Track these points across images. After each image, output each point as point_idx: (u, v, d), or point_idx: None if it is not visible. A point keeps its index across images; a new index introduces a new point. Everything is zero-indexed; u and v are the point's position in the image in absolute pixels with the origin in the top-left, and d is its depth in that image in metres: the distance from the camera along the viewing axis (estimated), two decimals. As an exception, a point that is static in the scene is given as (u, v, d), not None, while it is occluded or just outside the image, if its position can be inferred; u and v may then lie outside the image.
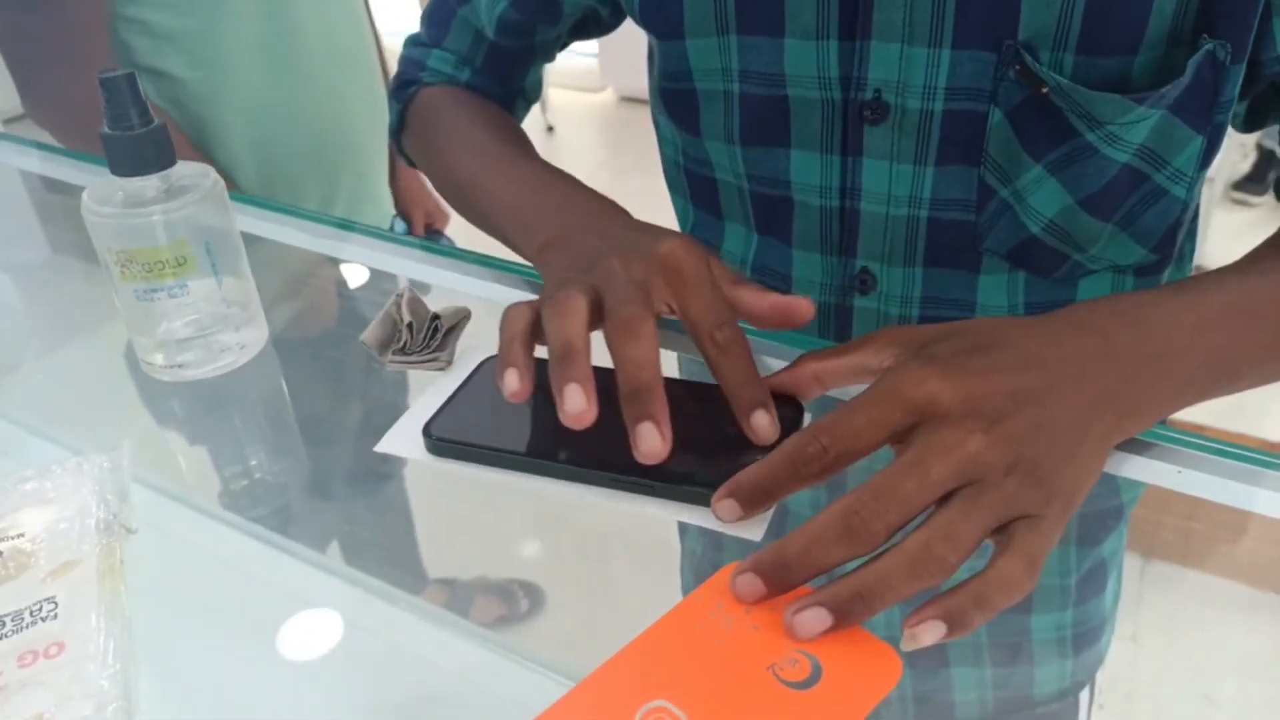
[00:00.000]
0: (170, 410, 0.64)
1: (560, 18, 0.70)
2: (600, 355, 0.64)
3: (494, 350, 0.50)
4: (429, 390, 0.53)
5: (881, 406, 0.36)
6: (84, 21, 0.93)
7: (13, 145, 0.93)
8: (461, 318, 0.59)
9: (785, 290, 0.56)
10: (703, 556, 0.60)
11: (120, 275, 0.56)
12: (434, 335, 0.57)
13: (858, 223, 0.59)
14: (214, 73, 1.01)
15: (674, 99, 0.64)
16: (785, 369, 0.44)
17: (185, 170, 0.57)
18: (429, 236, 1.36)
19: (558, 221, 0.54)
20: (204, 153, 1.03)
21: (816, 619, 0.34)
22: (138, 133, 0.53)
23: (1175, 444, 0.45)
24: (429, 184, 1.24)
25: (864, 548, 0.34)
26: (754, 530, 0.39)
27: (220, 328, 0.59)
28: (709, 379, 0.48)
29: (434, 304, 0.60)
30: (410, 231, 1.33)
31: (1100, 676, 0.70)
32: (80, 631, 0.40)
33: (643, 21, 0.63)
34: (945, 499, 0.35)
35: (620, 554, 0.67)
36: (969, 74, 0.52)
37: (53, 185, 0.86)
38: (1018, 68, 0.51)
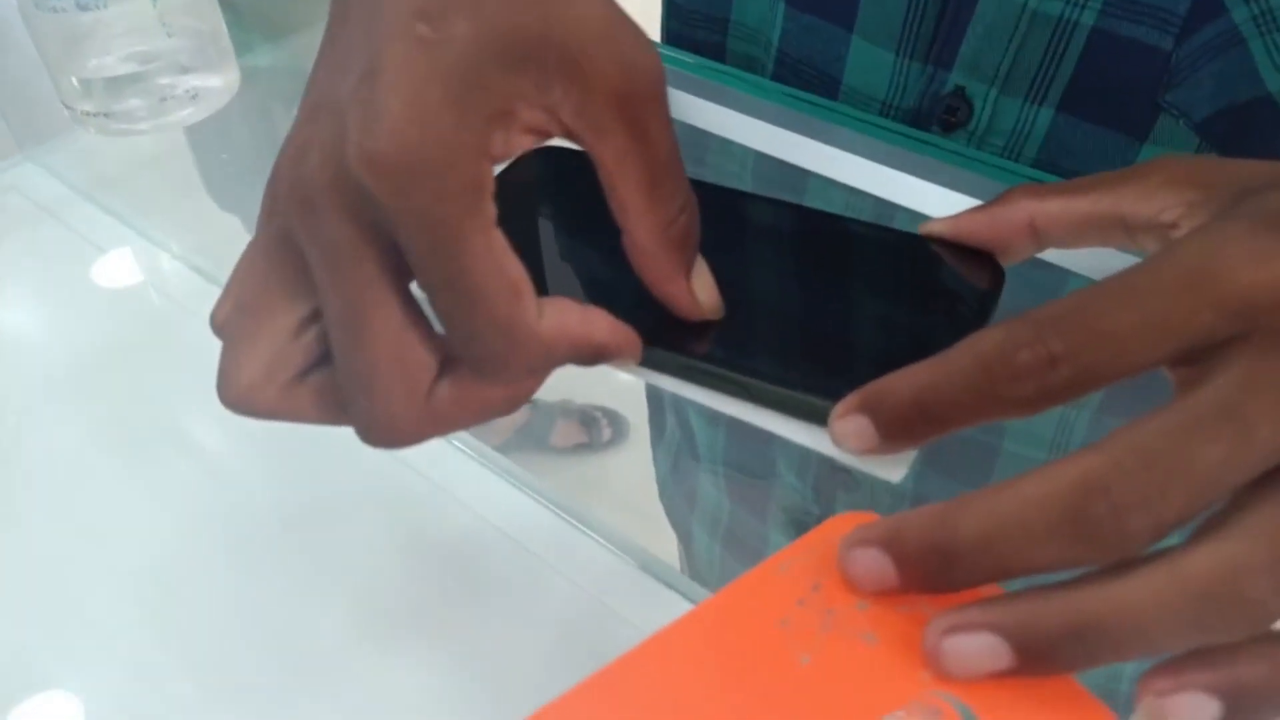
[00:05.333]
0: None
1: None
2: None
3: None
4: None
5: (1171, 299, 0.18)
6: None
7: None
8: None
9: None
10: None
11: (12, -21, 0.40)
12: None
13: (968, 14, 0.38)
14: None
15: None
16: (986, 205, 0.26)
17: None
18: None
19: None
20: None
21: (987, 653, 0.18)
22: None
23: None
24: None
25: (1103, 552, 0.18)
26: (893, 469, 0.23)
27: (164, 67, 0.44)
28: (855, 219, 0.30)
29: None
30: None
31: None
32: None
33: None
34: (1260, 485, 0.18)
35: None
36: None
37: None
38: None
